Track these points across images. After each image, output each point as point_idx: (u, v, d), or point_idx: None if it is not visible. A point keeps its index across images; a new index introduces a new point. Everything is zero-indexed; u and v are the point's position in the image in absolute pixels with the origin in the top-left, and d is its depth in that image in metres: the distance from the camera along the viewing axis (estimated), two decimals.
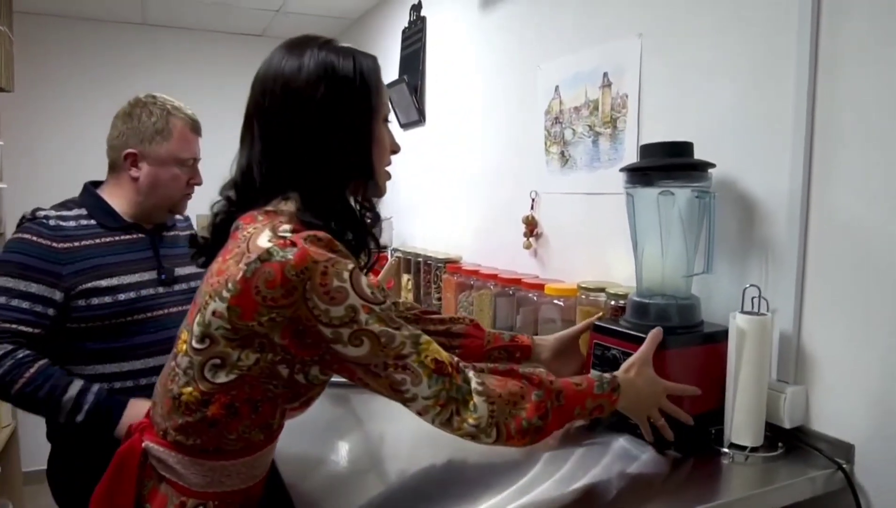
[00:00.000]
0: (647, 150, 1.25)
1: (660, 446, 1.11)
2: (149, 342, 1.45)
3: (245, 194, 0.93)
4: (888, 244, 1.02)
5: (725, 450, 1.10)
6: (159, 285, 1.51)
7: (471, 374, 0.88)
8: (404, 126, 2.84)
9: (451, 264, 2.17)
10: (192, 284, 1.58)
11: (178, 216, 1.69)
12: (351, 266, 0.83)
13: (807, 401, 1.14)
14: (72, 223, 1.44)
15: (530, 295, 1.72)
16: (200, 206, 1.74)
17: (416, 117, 2.71)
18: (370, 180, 0.95)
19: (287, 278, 0.79)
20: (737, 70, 1.25)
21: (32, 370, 1.29)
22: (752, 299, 1.14)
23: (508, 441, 0.87)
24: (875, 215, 1.03)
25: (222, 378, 0.84)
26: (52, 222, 1.41)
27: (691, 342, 1.16)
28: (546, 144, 1.83)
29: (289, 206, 0.91)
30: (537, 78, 1.85)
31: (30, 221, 1.42)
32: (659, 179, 1.20)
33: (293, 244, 0.81)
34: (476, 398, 0.85)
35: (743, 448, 1.10)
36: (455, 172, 2.43)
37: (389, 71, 2.97)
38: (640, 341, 1.11)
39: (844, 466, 1.05)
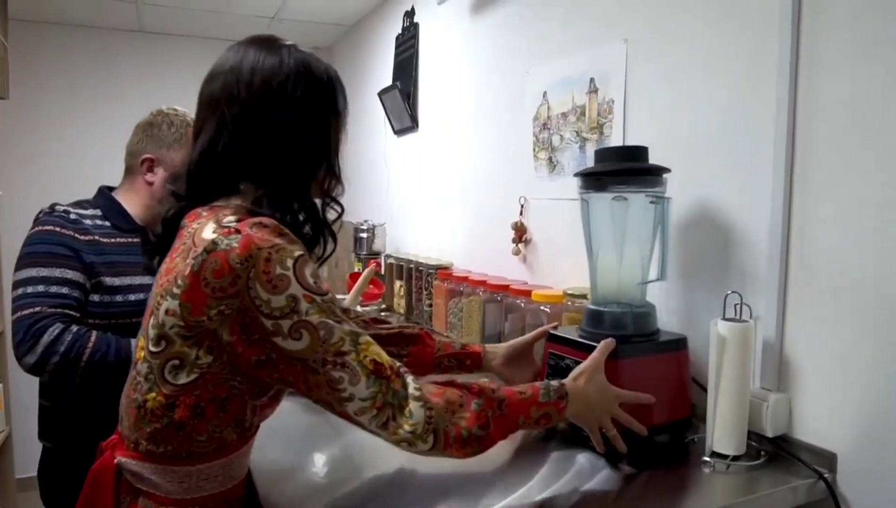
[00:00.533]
0: (601, 154, 1.23)
1: (613, 459, 1.08)
2: None
3: (198, 183, 0.92)
4: (871, 251, 1.01)
5: (707, 459, 1.09)
6: None
7: (409, 379, 0.85)
8: (398, 132, 2.84)
9: (442, 271, 2.16)
10: None
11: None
12: (297, 253, 0.82)
13: (790, 409, 1.12)
14: (89, 222, 1.46)
15: (518, 302, 1.71)
16: None
17: (409, 124, 2.71)
18: (335, 177, 0.97)
19: (232, 266, 0.79)
20: (722, 74, 1.24)
21: (93, 339, 1.30)
22: (735, 305, 1.12)
23: (447, 450, 0.85)
24: (858, 222, 1.02)
25: (183, 379, 0.83)
26: (72, 216, 1.44)
27: (647, 351, 1.14)
28: (535, 149, 1.82)
29: (237, 200, 0.91)
30: (526, 84, 1.85)
31: (48, 214, 1.44)
32: (612, 184, 1.18)
33: (237, 232, 0.81)
34: (412, 404, 0.83)
35: (725, 456, 1.08)
36: (447, 178, 2.42)
37: (384, 77, 2.97)
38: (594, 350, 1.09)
39: (826, 476, 1.04)
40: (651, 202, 1.17)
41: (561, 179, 1.72)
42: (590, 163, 1.59)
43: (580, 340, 1.18)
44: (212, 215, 0.87)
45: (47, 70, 3.29)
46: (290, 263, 0.80)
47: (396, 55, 2.85)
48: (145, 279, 1.47)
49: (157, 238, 0.98)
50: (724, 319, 1.11)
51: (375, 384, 0.82)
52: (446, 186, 2.43)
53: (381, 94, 2.88)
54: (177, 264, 0.84)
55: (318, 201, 0.97)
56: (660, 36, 1.39)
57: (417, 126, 2.69)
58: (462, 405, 0.87)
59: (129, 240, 1.49)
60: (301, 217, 0.92)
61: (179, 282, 0.81)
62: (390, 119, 2.88)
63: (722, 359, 1.08)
